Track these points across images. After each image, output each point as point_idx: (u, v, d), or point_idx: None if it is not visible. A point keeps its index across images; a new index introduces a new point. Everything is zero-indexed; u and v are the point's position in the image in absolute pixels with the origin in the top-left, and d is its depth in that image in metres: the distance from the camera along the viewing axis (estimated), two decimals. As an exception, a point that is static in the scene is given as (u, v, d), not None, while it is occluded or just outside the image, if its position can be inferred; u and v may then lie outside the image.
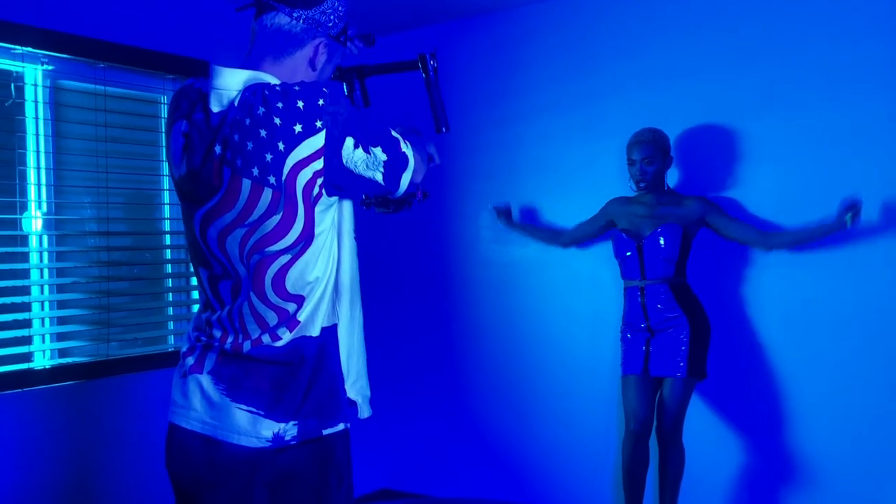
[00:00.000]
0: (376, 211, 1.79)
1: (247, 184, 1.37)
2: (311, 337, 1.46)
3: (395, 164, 1.48)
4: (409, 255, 3.99)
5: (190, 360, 1.51)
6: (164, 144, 1.57)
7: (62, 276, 2.89)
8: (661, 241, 3.03)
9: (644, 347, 3.06)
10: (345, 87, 1.78)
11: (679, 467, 3.06)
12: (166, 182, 3.22)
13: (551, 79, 3.59)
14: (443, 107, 1.80)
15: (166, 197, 3.23)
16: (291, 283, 1.43)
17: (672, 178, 3.24)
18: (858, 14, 2.94)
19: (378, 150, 1.44)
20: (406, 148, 1.51)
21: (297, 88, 1.37)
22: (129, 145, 3.11)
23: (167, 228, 3.24)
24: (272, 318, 1.44)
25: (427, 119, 1.80)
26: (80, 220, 2.98)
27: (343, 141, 1.38)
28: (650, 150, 3.04)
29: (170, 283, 3.26)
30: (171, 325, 3.25)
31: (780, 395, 3.11)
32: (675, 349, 2.99)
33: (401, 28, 3.95)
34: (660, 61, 3.33)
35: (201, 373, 1.48)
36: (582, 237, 3.38)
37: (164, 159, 3.19)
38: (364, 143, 1.42)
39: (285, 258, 1.41)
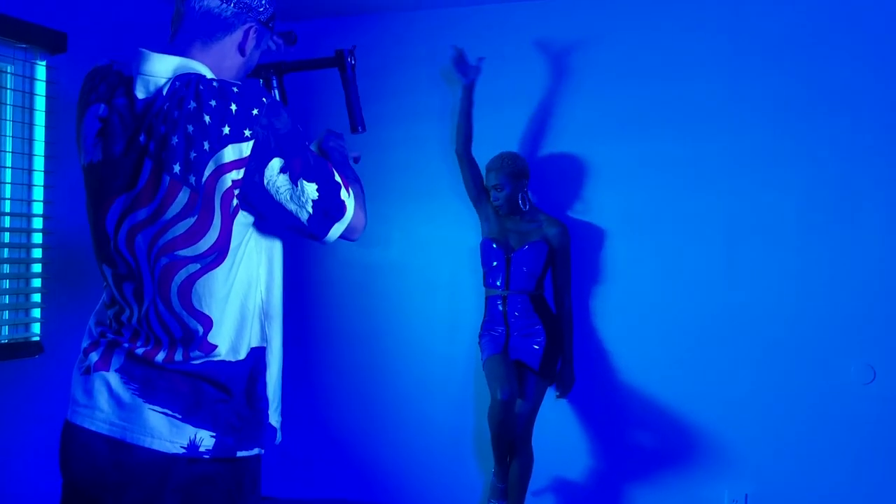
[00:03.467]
0: None
1: (166, 180, 1.29)
2: (232, 363, 1.39)
3: (328, 209, 1.38)
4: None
5: (94, 357, 1.40)
6: (74, 127, 1.43)
7: None
8: (527, 258, 3.17)
9: (503, 340, 3.19)
10: (261, 82, 1.72)
11: (527, 470, 3.19)
12: (9, 159, 2.96)
13: (421, 86, 3.65)
14: (359, 105, 1.77)
15: (7, 175, 2.97)
16: (198, 297, 1.34)
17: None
18: (695, 57, 3.26)
19: (310, 187, 1.35)
20: (347, 196, 1.41)
21: (235, 90, 1.30)
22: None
23: (6, 209, 2.97)
24: (177, 330, 1.35)
25: (341, 118, 1.78)
26: None
27: (269, 160, 1.31)
28: (500, 176, 3.19)
29: (38, 268, 3.00)
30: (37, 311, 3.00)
31: (623, 400, 3.34)
32: (531, 348, 3.15)
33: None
34: (525, 82, 3.49)
35: (108, 370, 1.38)
36: (468, 168, 3.31)
37: (7, 134, 2.96)
38: (293, 171, 1.33)
39: (194, 267, 1.33)
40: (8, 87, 2.96)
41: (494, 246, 3.23)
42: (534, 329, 3.17)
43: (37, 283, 3.02)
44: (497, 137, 3.42)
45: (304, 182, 1.34)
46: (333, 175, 1.40)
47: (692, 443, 3.24)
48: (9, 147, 2.95)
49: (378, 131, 3.67)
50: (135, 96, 1.34)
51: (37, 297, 3.02)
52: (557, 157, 3.44)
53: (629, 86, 3.34)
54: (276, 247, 1.47)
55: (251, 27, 1.43)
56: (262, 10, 1.43)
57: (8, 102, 2.96)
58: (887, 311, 3.00)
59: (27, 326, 3.01)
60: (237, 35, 1.42)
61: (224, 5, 1.39)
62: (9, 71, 2.97)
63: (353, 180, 1.48)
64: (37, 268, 3.02)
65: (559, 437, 3.41)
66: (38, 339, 2.99)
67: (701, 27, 3.25)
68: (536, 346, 3.15)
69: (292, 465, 3.84)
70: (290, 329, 3.81)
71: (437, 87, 3.62)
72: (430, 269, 3.64)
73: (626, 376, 3.34)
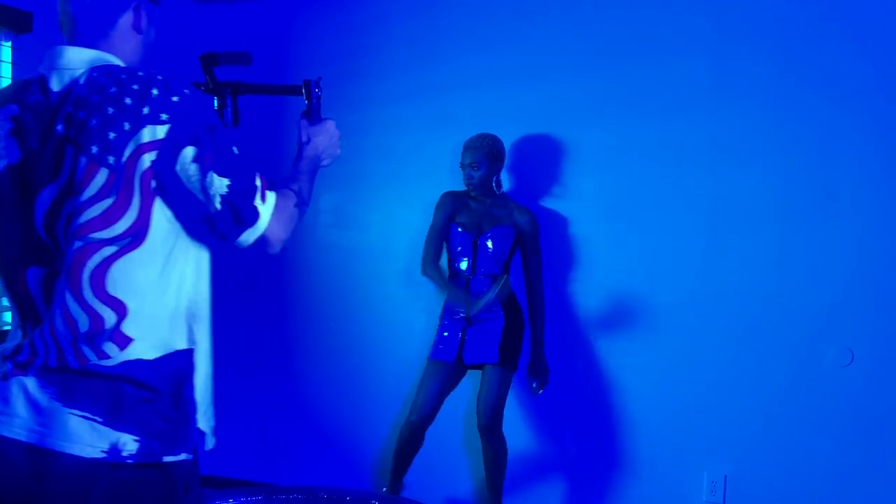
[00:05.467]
0: None
1: (83, 161, 1.28)
2: (152, 361, 1.34)
3: (237, 210, 1.35)
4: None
5: (9, 362, 1.34)
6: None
7: None
8: (493, 242, 3.16)
9: (460, 335, 3.16)
10: (216, 101, 1.69)
11: (501, 459, 3.18)
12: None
13: (401, 67, 3.59)
14: None
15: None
16: (113, 281, 1.30)
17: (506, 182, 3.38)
18: (675, 38, 3.21)
19: (220, 181, 1.32)
20: (262, 205, 1.37)
21: (159, 78, 1.32)
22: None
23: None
24: (83, 323, 1.30)
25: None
26: None
27: (183, 147, 1.30)
28: (477, 155, 3.14)
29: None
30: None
31: (601, 385, 3.34)
32: (489, 339, 3.13)
33: (245, -3, 3.78)
34: (506, 64, 3.43)
35: (25, 374, 1.32)
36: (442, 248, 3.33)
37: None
38: (204, 162, 1.31)
39: (110, 250, 1.30)
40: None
41: (460, 230, 3.21)
42: (495, 315, 3.14)
43: None
44: (471, 119, 3.38)
45: (215, 175, 1.32)
46: (253, 179, 1.37)
47: (671, 426, 3.25)
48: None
49: (355, 114, 3.63)
50: (49, 90, 1.35)
51: None
52: (535, 139, 3.40)
53: (608, 67, 3.29)
54: (205, 248, 1.45)
55: (139, 4, 1.44)
56: None
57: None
58: (866, 294, 3.00)
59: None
60: (129, 16, 1.43)
61: None
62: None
63: (285, 195, 1.44)
64: None
65: (536, 424, 3.41)
66: None
67: (683, 6, 3.21)
68: (496, 337, 3.12)
69: (273, 450, 3.83)
70: (271, 312, 3.80)
71: (414, 69, 3.56)
72: (411, 252, 3.60)
73: (604, 361, 3.33)
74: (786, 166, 3.09)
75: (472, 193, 3.20)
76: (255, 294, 3.86)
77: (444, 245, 3.28)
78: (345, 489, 2.93)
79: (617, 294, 3.31)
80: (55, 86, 1.34)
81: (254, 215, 1.36)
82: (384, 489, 3.23)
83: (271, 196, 1.40)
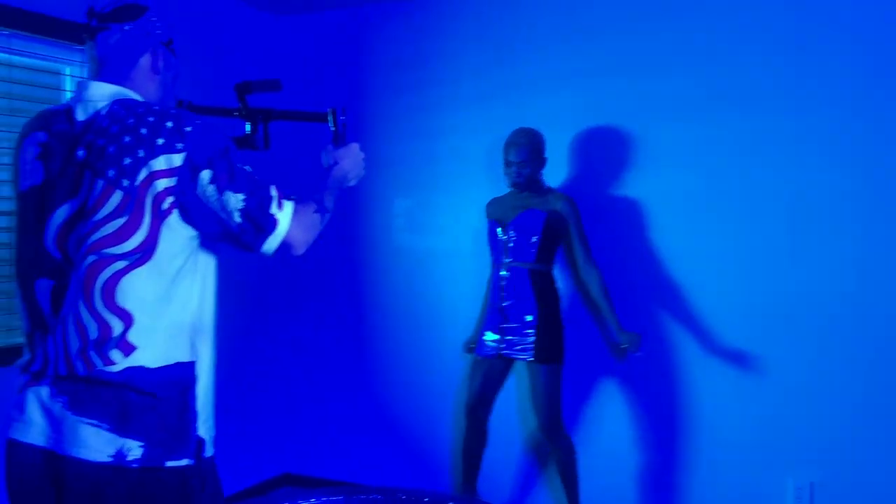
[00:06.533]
0: None
1: (100, 184, 1.40)
2: (155, 370, 1.43)
3: (256, 220, 1.46)
4: (319, 241, 3.93)
5: (27, 374, 1.48)
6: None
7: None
8: (517, 227, 3.13)
9: (499, 330, 3.15)
10: (248, 126, 1.79)
11: (570, 461, 3.15)
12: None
13: (468, 71, 3.64)
14: None
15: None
16: (122, 293, 1.40)
17: (558, 176, 3.39)
18: (756, 31, 3.13)
19: (235, 197, 1.44)
20: (280, 211, 1.48)
21: (173, 112, 1.44)
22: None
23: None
24: (93, 331, 1.40)
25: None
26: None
27: (200, 171, 1.42)
28: (525, 153, 3.10)
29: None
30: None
31: (683, 385, 3.29)
32: (523, 335, 3.09)
33: (319, 8, 3.88)
34: (570, 62, 3.43)
35: (38, 384, 1.45)
36: None
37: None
38: (220, 182, 1.43)
39: (121, 264, 1.41)
40: (66, 89, 3.04)
41: (494, 222, 3.21)
42: (528, 307, 3.08)
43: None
44: (543, 120, 3.36)
45: (230, 193, 1.44)
46: (268, 190, 1.48)
47: (754, 429, 3.15)
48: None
49: (425, 120, 3.69)
50: (75, 119, 1.48)
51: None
52: (614, 133, 3.36)
53: (687, 61, 3.23)
54: (211, 266, 1.55)
55: (156, 48, 1.59)
56: (158, 32, 1.60)
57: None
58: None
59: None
60: (147, 58, 1.58)
61: (127, 35, 1.55)
62: (67, 73, 3.05)
63: (304, 202, 1.54)
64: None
65: (612, 427, 3.36)
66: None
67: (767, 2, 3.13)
68: (531, 332, 3.07)
69: (351, 450, 3.91)
70: (342, 314, 3.88)
71: (482, 74, 3.58)
72: (482, 255, 3.62)
73: (684, 361, 3.26)
74: (871, 160, 2.97)
75: (516, 189, 3.16)
76: (332, 295, 3.96)
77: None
78: (423, 490, 2.95)
79: (698, 292, 3.24)
80: (80, 115, 1.48)
81: (272, 223, 1.47)
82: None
83: (288, 204, 1.50)
